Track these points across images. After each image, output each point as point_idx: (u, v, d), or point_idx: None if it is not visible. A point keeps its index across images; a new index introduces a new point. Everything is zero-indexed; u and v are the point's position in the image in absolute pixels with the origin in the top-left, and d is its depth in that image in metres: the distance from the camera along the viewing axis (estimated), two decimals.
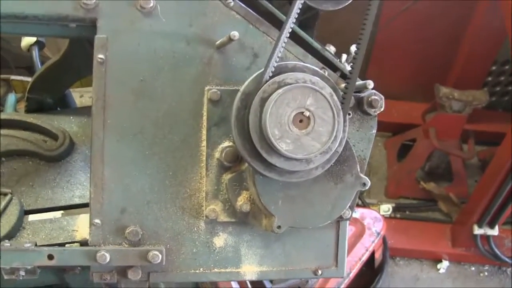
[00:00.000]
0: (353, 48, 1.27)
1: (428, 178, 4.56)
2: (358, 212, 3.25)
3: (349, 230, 3.10)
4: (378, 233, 3.17)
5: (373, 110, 1.30)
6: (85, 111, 1.78)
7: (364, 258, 3.07)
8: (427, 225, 4.35)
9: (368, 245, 3.11)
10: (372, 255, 3.21)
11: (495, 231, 3.88)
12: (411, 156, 4.50)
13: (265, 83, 1.12)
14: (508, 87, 4.70)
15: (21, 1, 1.21)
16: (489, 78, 4.62)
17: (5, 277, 1.27)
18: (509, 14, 3.15)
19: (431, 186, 4.42)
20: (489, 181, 3.62)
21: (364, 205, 4.36)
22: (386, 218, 4.10)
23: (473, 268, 4.23)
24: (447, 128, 4.16)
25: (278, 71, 1.14)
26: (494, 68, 4.54)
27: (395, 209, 4.47)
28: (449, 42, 4.42)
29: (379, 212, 3.78)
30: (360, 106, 1.31)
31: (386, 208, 4.43)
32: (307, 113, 1.10)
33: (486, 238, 3.95)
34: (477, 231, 3.88)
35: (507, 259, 4.01)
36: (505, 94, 4.74)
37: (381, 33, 4.35)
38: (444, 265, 4.20)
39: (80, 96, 3.01)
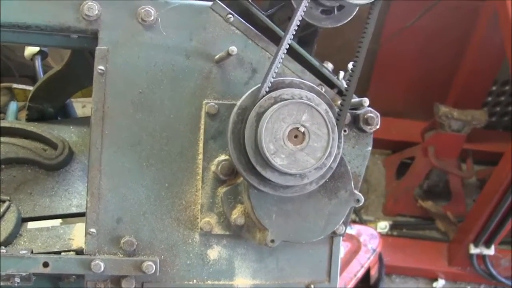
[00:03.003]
0: (350, 65, 1.29)
1: (426, 196, 4.56)
2: (355, 229, 3.25)
3: (345, 246, 3.13)
4: (374, 250, 3.17)
5: (369, 127, 1.32)
6: (85, 121, 1.78)
7: (360, 274, 3.07)
8: (423, 243, 4.35)
9: (363, 261, 3.11)
10: (368, 272, 3.21)
11: (491, 251, 3.87)
12: (409, 174, 4.50)
13: (261, 98, 1.14)
14: (508, 108, 4.71)
15: (24, 12, 1.23)
16: (489, 98, 4.63)
17: (0, 283, 1.28)
18: (508, 35, 3.17)
19: (429, 205, 4.42)
20: (486, 201, 3.63)
21: (361, 222, 4.36)
22: (383, 235, 4.11)
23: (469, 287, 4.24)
24: (446, 147, 4.17)
25: (275, 87, 1.16)
26: (494, 88, 4.56)
27: (392, 227, 4.46)
28: (450, 61, 4.43)
29: (376, 229, 3.78)
30: (356, 123, 1.32)
31: (383, 225, 4.43)
32: (302, 129, 1.11)
33: (482, 257, 3.95)
34: (473, 250, 3.88)
35: (503, 279, 4.00)
36: (505, 115, 4.75)
37: (383, 50, 4.37)
38: (440, 283, 4.20)
39: (82, 106, 3.01)
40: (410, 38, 4.29)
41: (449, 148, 4.20)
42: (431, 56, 4.45)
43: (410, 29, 4.12)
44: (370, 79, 4.63)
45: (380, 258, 3.41)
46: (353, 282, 3.03)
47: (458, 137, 4.09)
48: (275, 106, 1.11)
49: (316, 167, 1.14)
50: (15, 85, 2.29)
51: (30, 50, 2.06)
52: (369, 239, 3.21)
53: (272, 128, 1.10)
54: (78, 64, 1.66)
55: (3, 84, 2.35)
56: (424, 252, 4.24)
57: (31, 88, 2.08)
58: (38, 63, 2.07)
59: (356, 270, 3.05)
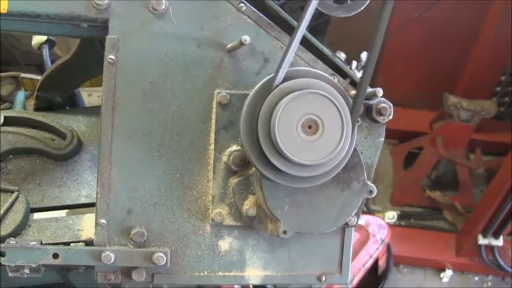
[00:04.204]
0: (363, 55, 1.27)
1: (434, 186, 4.55)
2: (363, 219, 3.25)
3: (353, 236, 3.12)
4: (383, 241, 3.16)
5: (381, 118, 1.30)
6: (94, 110, 1.77)
7: (368, 265, 3.07)
8: (431, 234, 4.35)
9: (372, 252, 3.11)
10: (376, 262, 3.21)
11: (499, 242, 3.87)
12: (417, 164, 4.50)
13: (275, 88, 1.12)
14: None
15: (34, 0, 1.21)
16: (498, 88, 4.61)
17: (10, 274, 1.27)
18: None
19: (437, 195, 4.41)
20: (495, 192, 3.62)
21: (369, 212, 4.35)
22: (390, 225, 4.10)
23: (476, 278, 4.22)
24: (454, 137, 4.16)
25: (288, 77, 1.14)
26: (503, 78, 4.53)
27: (400, 217, 4.46)
28: (459, 51, 4.41)
29: (384, 220, 3.78)
30: (369, 114, 1.31)
31: (391, 215, 4.42)
32: (316, 120, 1.10)
33: (490, 248, 3.95)
34: (482, 241, 3.88)
35: (511, 270, 4.00)
36: None
37: (391, 40, 4.35)
38: (447, 274, 4.19)
39: (88, 95, 3.02)
40: (419, 29, 4.27)
41: (457, 138, 4.19)
42: (440, 47, 4.43)
43: (418, 20, 4.11)
44: (378, 69, 4.61)
45: (388, 249, 3.40)
46: (362, 272, 3.02)
47: (467, 127, 4.07)
48: (289, 97, 1.09)
49: (330, 158, 1.12)
50: (23, 75, 2.28)
51: (38, 39, 2.05)
52: (378, 229, 3.20)
53: (286, 118, 1.08)
54: (87, 53, 1.65)
55: (8, 73, 2.34)
56: (432, 242, 4.23)
57: (38, 77, 2.07)
58: (45, 52, 2.06)
59: (364, 261, 3.05)
